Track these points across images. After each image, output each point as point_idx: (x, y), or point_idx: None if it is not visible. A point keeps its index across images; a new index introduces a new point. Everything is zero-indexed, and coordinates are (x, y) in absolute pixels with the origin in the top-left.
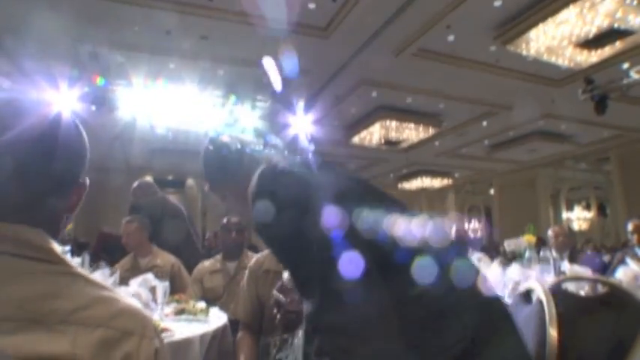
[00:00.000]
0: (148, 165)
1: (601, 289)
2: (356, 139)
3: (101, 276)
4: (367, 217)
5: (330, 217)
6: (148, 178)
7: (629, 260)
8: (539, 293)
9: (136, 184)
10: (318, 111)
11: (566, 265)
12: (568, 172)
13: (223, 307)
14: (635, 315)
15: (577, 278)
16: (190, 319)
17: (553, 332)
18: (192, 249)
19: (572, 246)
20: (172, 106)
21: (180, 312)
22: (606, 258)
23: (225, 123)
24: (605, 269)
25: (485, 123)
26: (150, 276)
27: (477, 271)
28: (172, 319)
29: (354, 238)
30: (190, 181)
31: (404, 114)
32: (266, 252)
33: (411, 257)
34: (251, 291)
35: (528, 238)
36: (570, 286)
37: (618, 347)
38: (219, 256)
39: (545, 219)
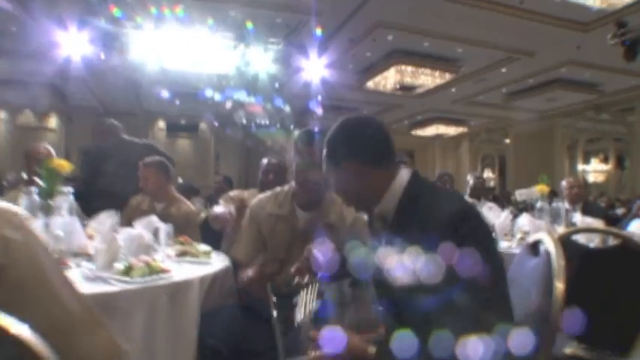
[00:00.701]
0: (160, 109)
1: (612, 241)
2: (370, 84)
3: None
4: None
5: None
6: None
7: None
8: (548, 244)
9: (98, 123)
10: (331, 55)
11: (578, 217)
12: (587, 123)
13: None
14: None
15: (588, 230)
16: (192, 262)
17: (559, 284)
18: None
19: (586, 198)
20: (183, 49)
21: (182, 254)
22: (620, 211)
23: (237, 66)
24: (618, 222)
25: (504, 69)
26: (154, 218)
27: None
28: (174, 261)
29: None
30: (203, 125)
31: (420, 59)
32: (269, 193)
33: None
34: (253, 232)
35: (541, 189)
36: (581, 238)
37: (628, 300)
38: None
39: (560, 170)
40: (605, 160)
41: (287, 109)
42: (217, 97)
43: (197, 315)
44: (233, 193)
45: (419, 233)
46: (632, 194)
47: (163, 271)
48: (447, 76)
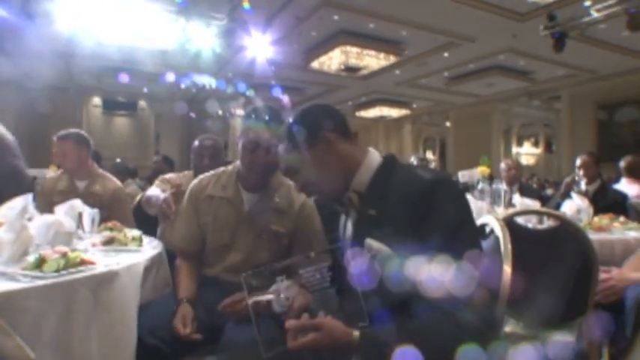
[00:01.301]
0: (96, 85)
1: (547, 221)
2: (315, 64)
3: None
4: None
5: None
6: (96, 100)
7: (574, 195)
8: (496, 229)
9: None
10: (277, 32)
11: (517, 198)
12: (521, 109)
13: None
14: (583, 247)
15: (531, 212)
16: (120, 250)
17: (507, 268)
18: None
19: (520, 180)
20: (120, 20)
21: (109, 242)
22: (550, 191)
23: (179, 42)
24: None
25: (446, 54)
26: (77, 202)
27: None
28: (99, 250)
29: None
30: (143, 103)
31: (365, 40)
32: (211, 174)
33: None
34: (190, 216)
35: (482, 170)
36: (519, 219)
37: (568, 279)
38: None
39: (496, 153)
40: (536, 144)
41: (230, 87)
42: (158, 73)
43: (133, 311)
44: (168, 175)
45: (394, 203)
46: (559, 176)
47: (84, 262)
48: (392, 59)
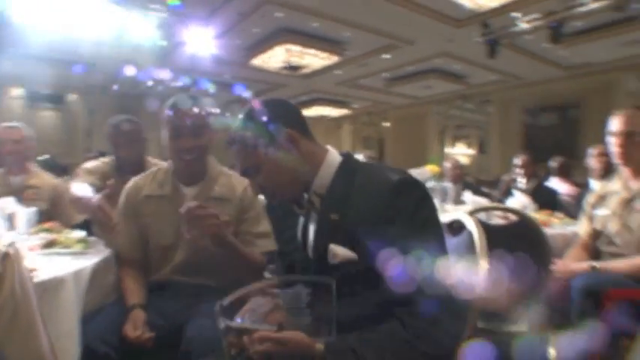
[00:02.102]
0: (18, 75)
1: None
2: (256, 62)
3: None
4: None
5: None
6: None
7: (516, 192)
8: (469, 225)
9: None
10: (218, 28)
11: (468, 196)
12: (456, 111)
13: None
14: (541, 241)
15: (494, 208)
16: (63, 253)
17: (484, 264)
18: None
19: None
20: (48, 5)
21: (49, 245)
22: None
23: (115, 33)
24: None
25: (386, 56)
26: (9, 200)
27: None
28: (39, 254)
29: None
30: (72, 97)
31: (308, 39)
32: (145, 174)
33: None
34: (128, 222)
35: (432, 168)
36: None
37: (534, 274)
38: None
39: (432, 153)
40: (469, 145)
41: (170, 82)
42: (91, 65)
43: (76, 321)
44: (91, 164)
45: (359, 206)
46: (490, 175)
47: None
48: (333, 58)
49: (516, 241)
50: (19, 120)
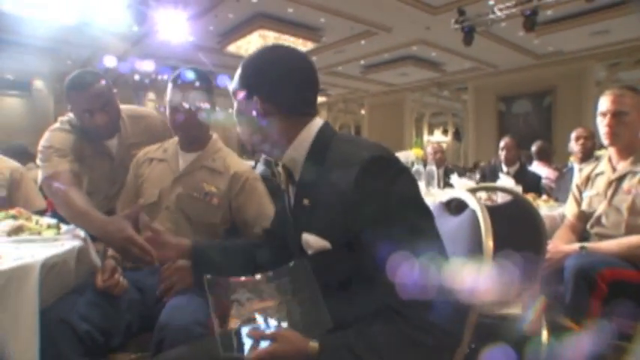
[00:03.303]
0: None
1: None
2: (232, 48)
3: None
4: None
5: None
6: None
7: (502, 175)
8: (471, 204)
9: None
10: (191, 13)
11: (455, 179)
12: (432, 99)
13: None
14: (536, 221)
15: (492, 188)
16: (32, 240)
17: (490, 242)
18: None
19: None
20: None
21: (17, 231)
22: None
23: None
24: None
25: (363, 42)
26: None
27: None
28: (6, 241)
29: None
30: (39, 83)
31: (284, 25)
32: (157, 144)
33: None
34: (130, 182)
35: (416, 152)
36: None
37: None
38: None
39: (409, 140)
40: (445, 133)
41: (141, 67)
42: (58, 50)
43: (37, 312)
44: (57, 140)
45: (328, 188)
46: (466, 162)
47: None
48: (309, 45)
49: (514, 221)
50: None
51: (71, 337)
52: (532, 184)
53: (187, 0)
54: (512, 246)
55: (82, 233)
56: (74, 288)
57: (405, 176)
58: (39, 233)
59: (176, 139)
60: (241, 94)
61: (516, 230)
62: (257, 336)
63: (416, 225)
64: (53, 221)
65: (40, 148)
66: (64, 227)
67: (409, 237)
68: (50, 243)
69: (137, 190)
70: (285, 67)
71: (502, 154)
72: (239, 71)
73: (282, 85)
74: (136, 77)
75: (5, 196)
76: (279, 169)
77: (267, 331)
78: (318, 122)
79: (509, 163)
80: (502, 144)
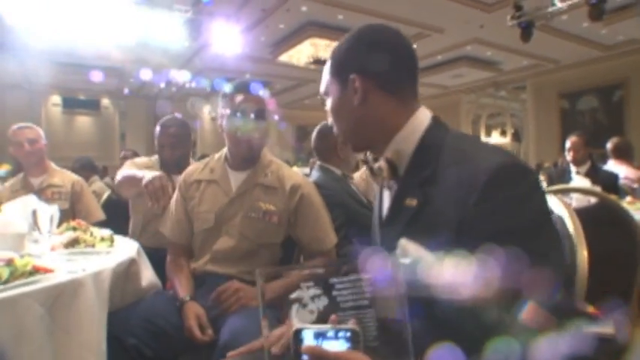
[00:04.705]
0: (53, 82)
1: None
2: (284, 58)
3: None
4: None
5: None
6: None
7: (575, 176)
8: (559, 210)
9: None
10: (243, 26)
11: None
12: (489, 99)
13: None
14: (631, 224)
15: (572, 189)
16: (86, 252)
17: (584, 252)
18: None
19: None
20: (75, 13)
21: (72, 243)
22: None
23: (141, 36)
24: None
25: (415, 45)
26: (32, 198)
27: None
28: (60, 254)
29: None
30: (106, 101)
31: (334, 32)
32: (200, 163)
33: None
34: (179, 207)
35: None
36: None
37: (622, 259)
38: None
39: None
40: (504, 134)
41: (197, 83)
42: (121, 69)
43: (99, 330)
44: (139, 159)
45: (444, 192)
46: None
47: (37, 271)
48: None
49: (603, 228)
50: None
51: (120, 353)
52: (608, 183)
53: (239, 13)
54: (604, 257)
55: (135, 246)
56: (123, 300)
57: (541, 191)
58: (93, 245)
59: (220, 156)
60: (334, 85)
61: (607, 238)
62: (318, 355)
63: (544, 250)
64: (107, 233)
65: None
66: (117, 239)
67: (536, 262)
68: (103, 256)
69: (189, 216)
70: (378, 37)
71: (569, 154)
72: (328, 64)
73: (377, 53)
74: (192, 91)
75: (68, 208)
76: (379, 165)
77: (332, 350)
78: (427, 113)
79: (578, 163)
80: (568, 144)
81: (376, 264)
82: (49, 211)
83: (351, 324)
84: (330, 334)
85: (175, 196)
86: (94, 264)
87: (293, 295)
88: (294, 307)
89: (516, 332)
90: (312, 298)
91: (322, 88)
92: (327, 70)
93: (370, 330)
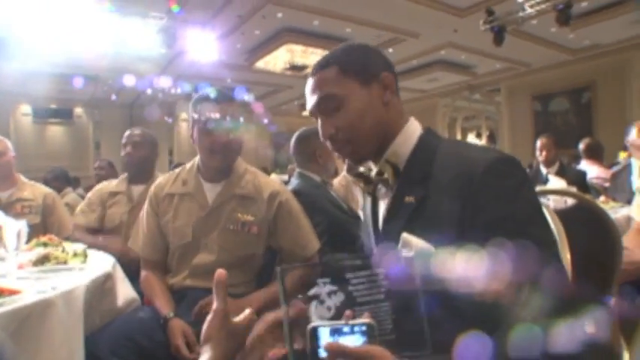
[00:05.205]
0: (23, 91)
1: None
2: (260, 64)
3: None
4: None
5: None
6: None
7: (551, 177)
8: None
9: None
10: (219, 32)
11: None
12: (464, 103)
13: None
14: (608, 225)
15: (551, 191)
16: (58, 270)
17: (567, 255)
18: None
19: None
20: (47, 20)
21: (42, 260)
22: None
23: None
24: None
25: (391, 50)
26: None
27: None
28: (28, 272)
29: None
30: (79, 110)
31: (310, 37)
32: (169, 173)
33: None
34: (150, 221)
35: None
36: None
37: (602, 258)
38: (124, 176)
39: None
40: (479, 136)
41: (173, 90)
42: (94, 78)
43: (75, 349)
44: (101, 185)
45: (441, 188)
46: None
47: (1, 292)
48: None
49: (582, 228)
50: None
51: None
52: (577, 181)
53: (215, 19)
54: (584, 256)
55: (111, 260)
56: (101, 319)
57: (530, 184)
58: (65, 262)
59: (192, 166)
60: (356, 88)
61: (587, 239)
62: (340, 351)
63: (543, 236)
64: (81, 248)
65: None
66: (91, 254)
67: (537, 247)
68: (76, 273)
69: (162, 230)
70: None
71: (541, 154)
72: (334, 69)
73: (387, 60)
74: (169, 98)
75: (39, 223)
76: (377, 169)
77: (351, 345)
78: (415, 121)
79: (549, 164)
80: (539, 144)
81: (389, 259)
82: (16, 227)
83: (365, 318)
84: (346, 329)
85: (145, 210)
86: (65, 282)
87: (311, 292)
88: (313, 304)
89: (528, 316)
90: (329, 294)
91: (325, 93)
92: (335, 74)
93: (386, 323)
